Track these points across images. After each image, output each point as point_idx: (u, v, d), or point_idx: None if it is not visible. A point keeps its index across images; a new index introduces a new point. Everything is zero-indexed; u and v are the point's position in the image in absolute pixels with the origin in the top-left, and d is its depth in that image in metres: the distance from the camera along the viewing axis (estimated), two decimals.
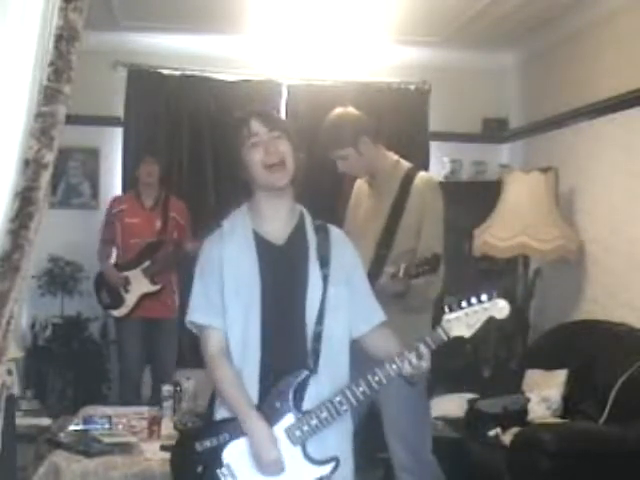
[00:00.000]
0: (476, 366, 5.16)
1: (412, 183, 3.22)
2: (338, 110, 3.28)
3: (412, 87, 5.99)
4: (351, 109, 3.31)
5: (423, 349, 2.17)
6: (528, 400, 4.25)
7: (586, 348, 4.32)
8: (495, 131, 6.09)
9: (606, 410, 3.86)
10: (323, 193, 5.22)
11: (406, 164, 3.37)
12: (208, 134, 5.82)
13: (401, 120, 5.92)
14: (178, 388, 4.07)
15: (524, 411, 4.21)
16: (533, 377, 4.44)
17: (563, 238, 4.73)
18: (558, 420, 4.09)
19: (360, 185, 3.49)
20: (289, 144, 2.28)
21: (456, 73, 5.92)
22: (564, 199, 5.05)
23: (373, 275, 3.09)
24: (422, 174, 3.32)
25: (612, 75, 4.65)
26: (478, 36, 5.51)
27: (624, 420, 3.73)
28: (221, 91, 5.83)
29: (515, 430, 3.93)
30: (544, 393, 4.22)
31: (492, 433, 4.10)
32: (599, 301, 4.72)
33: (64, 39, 1.48)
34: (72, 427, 3.67)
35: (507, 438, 3.94)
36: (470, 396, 4.49)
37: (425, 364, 2.19)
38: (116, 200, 5.19)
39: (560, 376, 4.26)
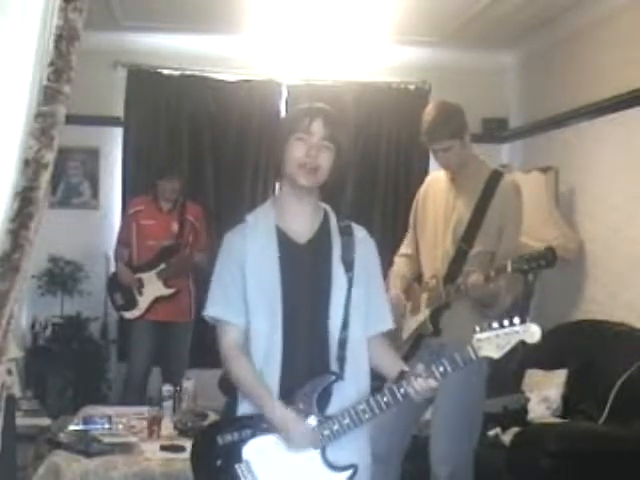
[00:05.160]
0: None
1: (497, 185, 3.21)
2: (440, 102, 3.27)
3: (412, 87, 5.99)
4: (450, 102, 3.29)
5: (448, 366, 2.15)
6: (528, 400, 4.25)
7: (586, 348, 4.32)
8: (495, 131, 6.08)
9: (606, 410, 3.86)
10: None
11: (491, 165, 3.37)
12: (208, 134, 5.82)
13: (401, 120, 5.92)
14: (178, 388, 4.07)
15: (524, 411, 4.21)
16: (533, 377, 4.44)
17: (563, 238, 4.72)
18: (558, 420, 4.09)
19: (435, 178, 3.44)
20: (332, 158, 2.21)
21: (456, 73, 5.91)
22: (564, 199, 5.05)
23: (452, 272, 3.13)
24: (508, 177, 3.32)
25: (612, 75, 4.65)
26: (478, 36, 5.51)
27: (624, 420, 3.73)
28: (221, 91, 5.84)
29: (515, 430, 3.93)
30: (544, 393, 4.22)
31: (492, 433, 4.09)
32: (599, 301, 4.72)
33: (64, 39, 1.47)
34: (72, 427, 3.67)
35: (507, 438, 3.94)
36: None
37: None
38: (133, 201, 5.15)
39: (560, 376, 4.26)
